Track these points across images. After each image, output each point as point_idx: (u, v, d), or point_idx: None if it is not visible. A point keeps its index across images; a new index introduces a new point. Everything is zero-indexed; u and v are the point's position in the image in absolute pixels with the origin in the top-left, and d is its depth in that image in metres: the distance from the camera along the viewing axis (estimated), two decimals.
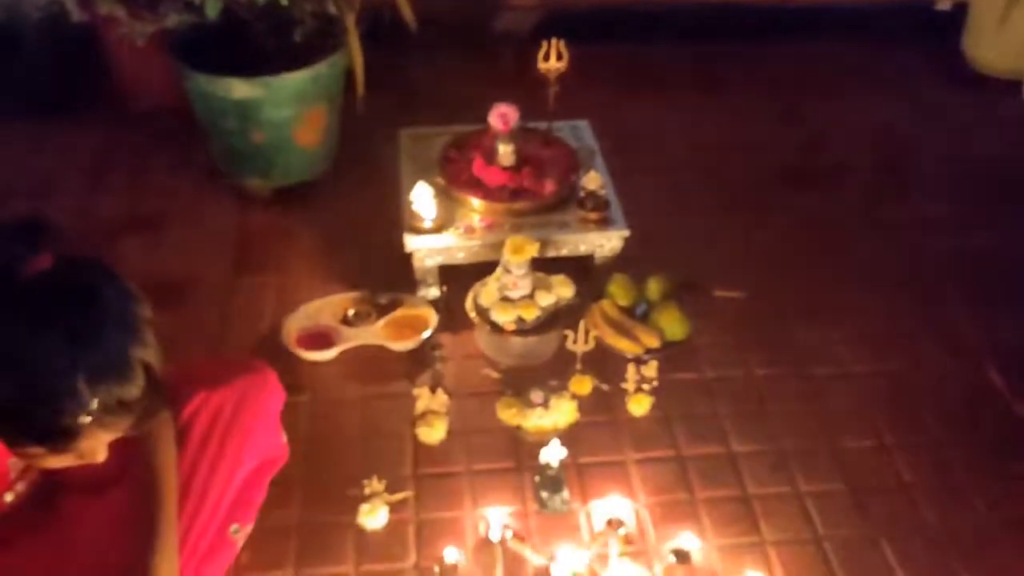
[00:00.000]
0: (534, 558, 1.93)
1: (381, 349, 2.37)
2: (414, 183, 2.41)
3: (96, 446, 1.38)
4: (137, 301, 1.38)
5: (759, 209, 2.95)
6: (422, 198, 2.39)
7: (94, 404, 1.27)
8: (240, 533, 1.82)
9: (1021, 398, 2.31)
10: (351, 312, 2.43)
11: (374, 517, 1.97)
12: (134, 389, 1.31)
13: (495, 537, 1.96)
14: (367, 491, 2.02)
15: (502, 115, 2.42)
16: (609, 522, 1.99)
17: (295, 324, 2.38)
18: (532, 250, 2.24)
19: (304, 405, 2.21)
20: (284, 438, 1.97)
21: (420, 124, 2.82)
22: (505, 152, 2.49)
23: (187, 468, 1.72)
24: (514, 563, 1.93)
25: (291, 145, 2.75)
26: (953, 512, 2.07)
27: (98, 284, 1.35)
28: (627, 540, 1.98)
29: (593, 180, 2.48)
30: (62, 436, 1.29)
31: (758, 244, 2.80)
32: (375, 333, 2.38)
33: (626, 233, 2.48)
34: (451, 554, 1.90)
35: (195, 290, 2.51)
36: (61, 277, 1.32)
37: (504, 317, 2.29)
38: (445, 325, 2.43)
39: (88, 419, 1.27)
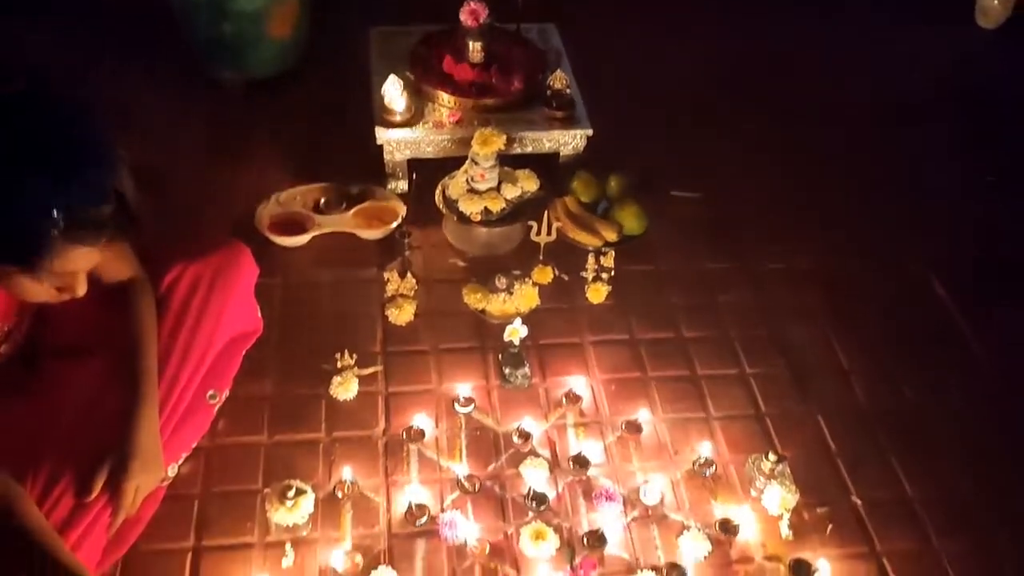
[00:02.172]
0: (496, 427, 2.07)
1: (352, 237, 2.45)
2: (385, 78, 2.46)
3: (72, 272, 1.43)
4: (107, 130, 1.42)
5: (719, 122, 3.04)
6: (392, 92, 2.45)
7: (62, 219, 1.32)
8: (216, 399, 1.92)
9: (959, 304, 2.47)
10: (322, 201, 2.50)
11: (345, 389, 2.08)
12: (104, 209, 1.37)
13: (460, 409, 2.08)
14: (339, 365, 2.13)
15: (472, 11, 2.47)
16: (566, 396, 2.13)
17: (268, 211, 2.44)
18: (499, 142, 2.32)
19: (277, 287, 2.29)
20: (258, 312, 2.06)
21: (391, 22, 2.85)
22: (474, 49, 2.54)
23: (167, 335, 1.81)
24: (477, 431, 2.06)
25: (264, 37, 2.78)
26: (884, 396, 2.24)
27: (72, 109, 1.38)
28: (582, 413, 2.12)
29: (559, 79, 2.55)
30: (33, 250, 1.33)
31: (715, 153, 2.90)
32: (346, 221, 2.46)
33: (589, 132, 2.57)
34: (419, 421, 2.03)
35: (171, 179, 2.55)
36: (37, 103, 1.36)
37: (471, 208, 2.38)
38: (414, 216, 2.51)
39: (57, 232, 1.32)
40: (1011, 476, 2.06)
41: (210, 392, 1.91)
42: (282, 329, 2.14)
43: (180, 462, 1.87)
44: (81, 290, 1.47)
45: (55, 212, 1.31)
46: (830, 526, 1.94)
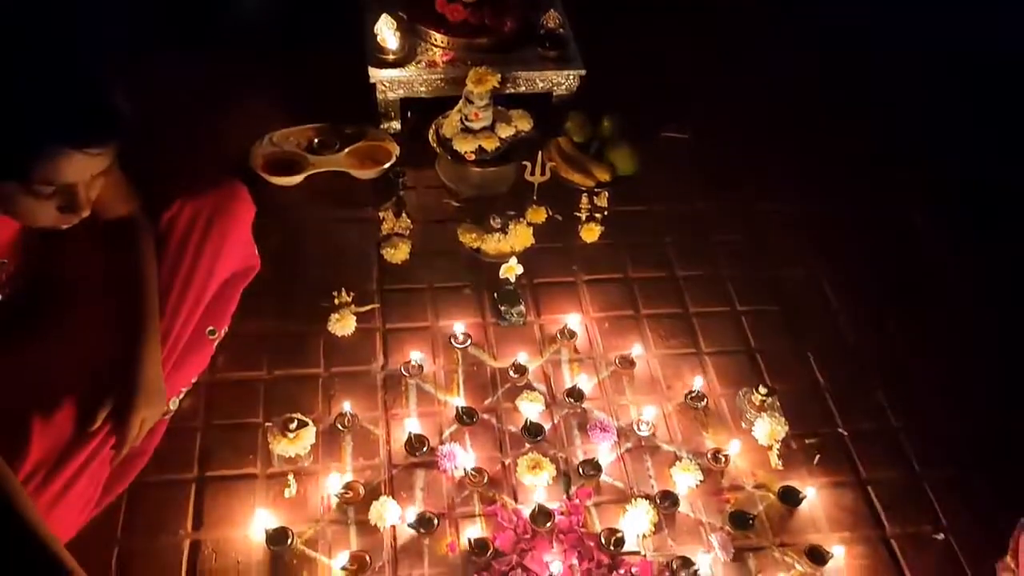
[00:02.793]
0: (492, 363, 2.10)
1: (346, 176, 2.46)
2: (377, 17, 2.44)
3: (71, 184, 1.41)
4: (95, 51, 1.42)
5: (714, 64, 3.04)
6: (385, 32, 2.43)
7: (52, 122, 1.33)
8: (216, 335, 1.94)
9: (935, 239, 2.52)
10: (316, 140, 2.50)
11: (343, 326, 2.11)
12: (94, 111, 1.38)
13: (457, 345, 2.12)
14: (336, 302, 2.15)
15: None
16: (560, 332, 2.16)
17: (262, 151, 2.44)
18: (493, 80, 2.32)
19: (274, 226, 2.29)
20: (256, 250, 2.07)
21: None
22: None
23: (166, 270, 1.82)
24: (474, 367, 2.09)
25: None
26: (870, 335, 2.28)
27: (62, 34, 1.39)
28: (576, 349, 2.16)
29: (552, 19, 2.55)
30: (27, 155, 1.34)
31: (709, 95, 2.91)
32: (340, 161, 2.46)
33: (582, 72, 2.57)
34: (416, 357, 2.06)
35: (164, 120, 2.52)
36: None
37: (465, 147, 2.38)
38: (407, 156, 2.51)
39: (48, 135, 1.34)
40: (988, 406, 2.12)
41: (209, 328, 1.92)
42: (279, 267, 2.15)
43: (181, 396, 1.90)
44: (85, 209, 1.46)
45: (46, 115, 1.32)
46: (818, 456, 1.99)
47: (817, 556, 1.81)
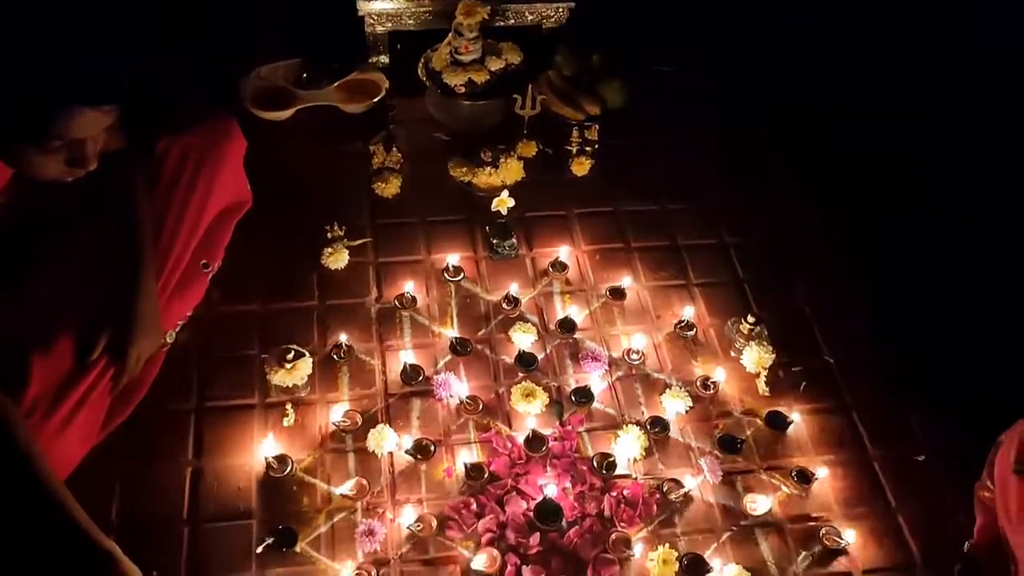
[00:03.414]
0: (485, 295, 2.13)
1: (335, 111, 2.45)
2: None
3: (81, 140, 1.42)
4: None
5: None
6: None
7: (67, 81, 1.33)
8: (210, 268, 1.95)
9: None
10: (304, 75, 2.48)
11: (336, 259, 2.12)
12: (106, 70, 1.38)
13: (449, 278, 2.14)
14: (329, 236, 2.16)
15: None
16: (552, 265, 2.19)
17: (250, 86, 2.42)
18: (483, 12, 2.30)
19: (263, 161, 2.27)
20: (247, 184, 2.07)
21: None
22: None
23: (160, 203, 1.82)
24: (467, 299, 2.12)
25: None
26: (858, 262, 2.32)
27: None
28: (568, 281, 2.18)
29: None
30: (41, 116, 1.35)
31: (700, 28, 2.89)
32: (329, 95, 2.44)
33: (572, 4, 2.55)
34: (409, 289, 2.08)
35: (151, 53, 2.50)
36: None
37: (455, 80, 2.37)
38: (396, 91, 2.50)
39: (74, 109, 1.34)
40: (971, 334, 2.16)
41: (203, 261, 1.93)
42: (271, 202, 2.15)
43: (177, 329, 1.91)
44: (92, 163, 1.47)
45: (59, 75, 1.31)
46: (804, 383, 2.04)
47: (803, 477, 1.86)
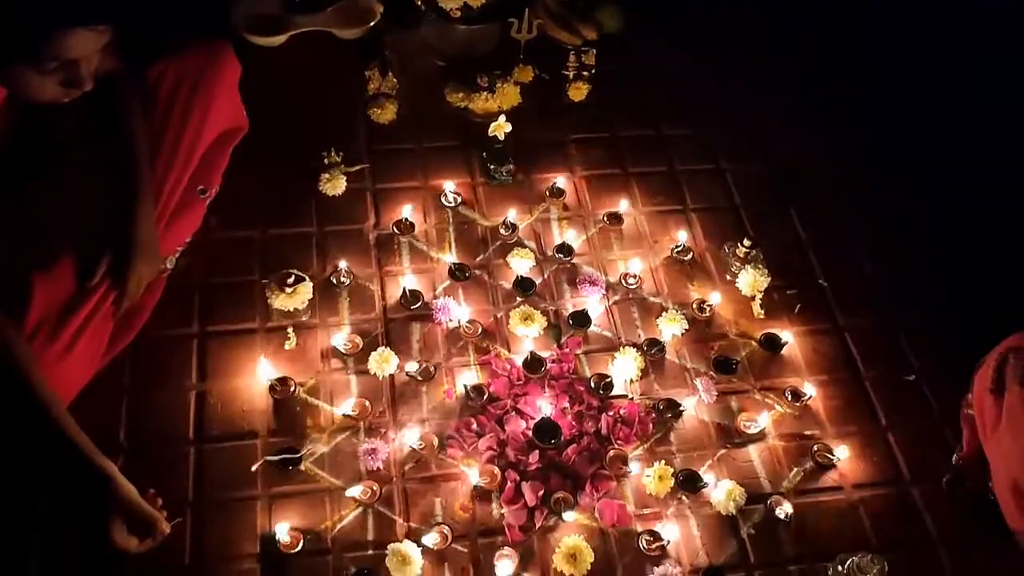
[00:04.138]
0: (482, 221, 2.14)
1: (330, 36, 2.42)
2: None
3: (76, 59, 1.40)
4: None
5: None
6: None
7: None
8: (207, 194, 1.95)
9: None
10: (298, 0, 2.44)
11: (334, 186, 2.12)
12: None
13: (447, 203, 2.14)
14: (326, 162, 2.16)
15: None
16: (549, 191, 2.19)
17: (243, 10, 2.38)
18: None
19: (259, 87, 2.25)
20: (243, 110, 2.05)
21: None
22: None
23: (155, 130, 1.81)
24: (465, 225, 2.13)
25: None
26: (851, 189, 2.33)
27: None
28: (565, 207, 2.19)
29: None
30: (36, 33, 1.34)
31: None
32: (323, 20, 2.41)
33: None
34: (407, 215, 2.08)
35: None
36: None
37: (450, 3, 2.34)
38: (391, 15, 2.46)
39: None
40: (961, 259, 2.19)
41: (200, 187, 1.93)
42: (267, 127, 2.13)
43: (177, 255, 1.92)
44: (87, 84, 1.46)
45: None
46: (798, 305, 2.07)
47: (796, 397, 1.90)
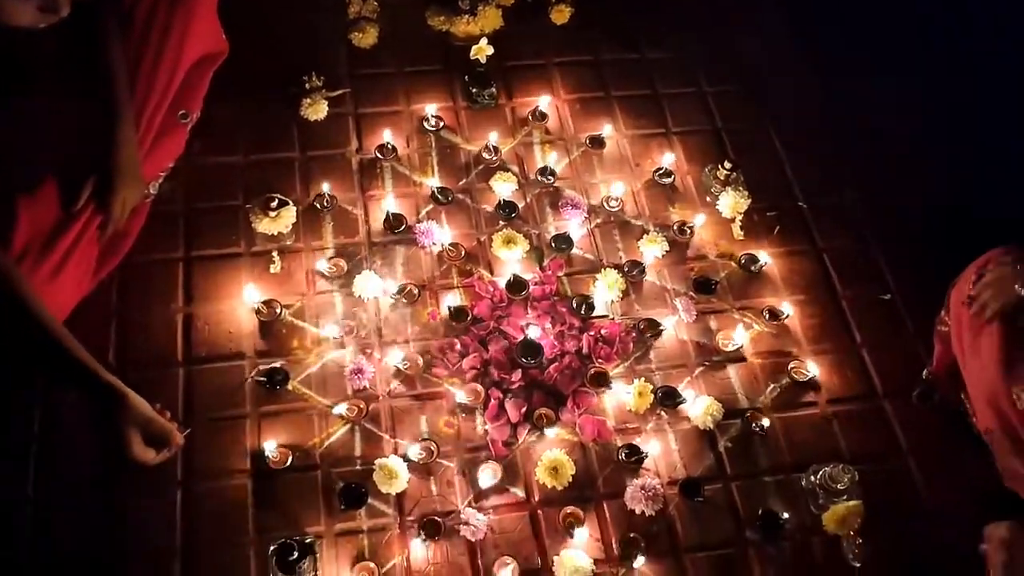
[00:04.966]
0: (465, 145, 2.14)
1: None
2: None
3: None
4: None
5: None
6: None
7: None
8: (188, 119, 1.94)
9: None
10: None
11: (315, 111, 2.12)
12: None
13: (429, 127, 2.14)
14: (307, 87, 2.14)
15: None
16: (532, 114, 2.19)
17: None
18: None
19: (238, 11, 2.22)
20: (223, 33, 2.03)
21: None
22: None
23: (135, 51, 1.79)
24: (447, 149, 2.13)
25: None
26: (832, 112, 2.33)
27: None
28: (548, 131, 2.19)
29: None
30: None
31: None
32: None
33: None
34: (390, 139, 2.09)
35: None
36: None
37: None
38: None
39: None
40: (949, 185, 2.20)
41: (181, 112, 1.92)
42: (247, 52, 2.10)
43: (160, 180, 1.92)
44: (65, 8, 1.44)
45: None
46: (777, 227, 2.10)
47: (773, 316, 1.94)
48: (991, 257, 1.62)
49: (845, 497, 1.70)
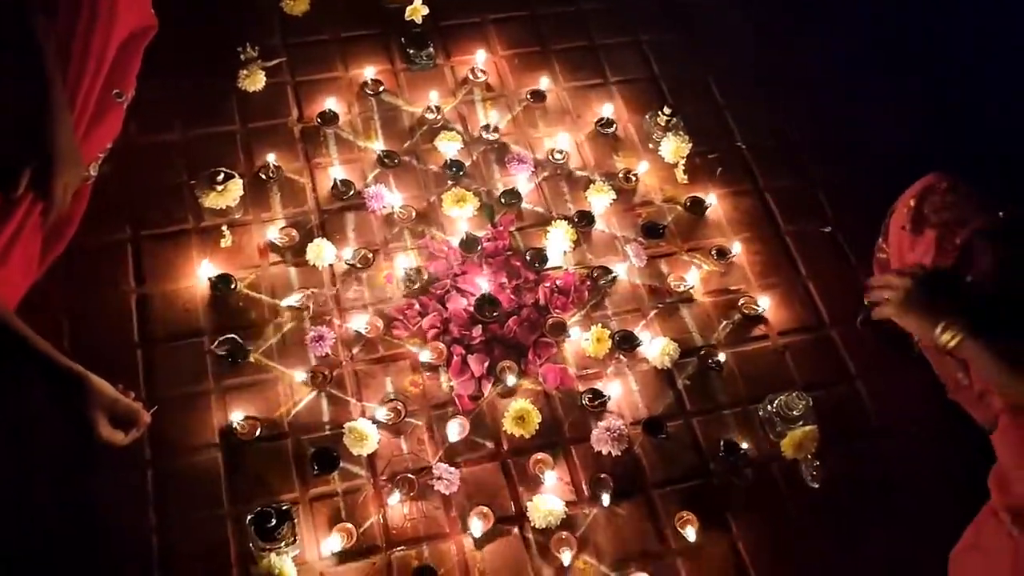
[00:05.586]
0: (407, 107, 2.14)
1: None
2: None
3: None
4: None
5: None
6: None
7: None
8: (123, 98, 1.90)
9: None
10: None
11: (253, 81, 2.10)
12: None
13: (369, 92, 2.13)
14: (243, 58, 2.12)
15: None
16: (471, 72, 2.20)
17: None
18: None
19: None
20: (151, 7, 1.99)
21: None
22: None
23: (64, 31, 1.75)
24: (390, 112, 2.13)
25: None
26: (765, 54, 2.37)
27: None
28: (488, 88, 2.20)
29: None
30: None
31: None
32: None
33: None
34: (331, 106, 2.07)
35: None
36: None
37: None
38: None
39: None
40: (883, 116, 2.26)
41: (116, 91, 1.88)
42: (176, 26, 2.06)
43: (99, 162, 1.88)
44: None
45: None
46: (719, 169, 2.14)
47: (721, 255, 2.00)
48: (925, 184, 1.68)
49: (801, 423, 1.77)
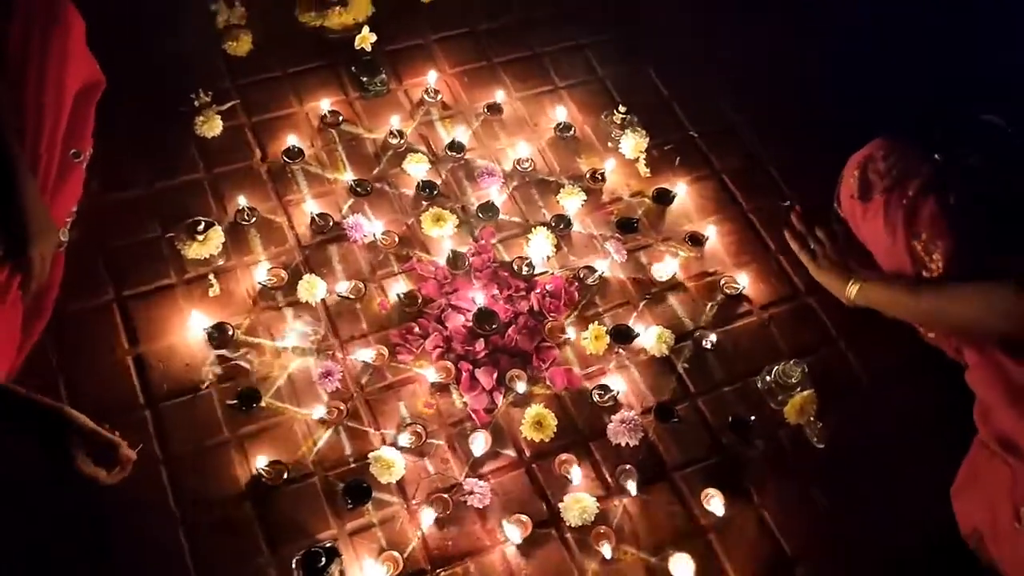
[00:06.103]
0: (368, 135, 2.15)
1: None
2: None
3: None
4: None
5: None
6: None
7: None
8: (81, 157, 1.85)
9: None
10: None
11: (210, 127, 2.07)
12: None
13: (328, 124, 2.14)
14: (196, 104, 2.09)
15: None
16: (425, 93, 2.22)
17: None
18: None
19: (99, 37, 2.13)
20: (97, 64, 1.94)
21: None
22: None
23: (16, 90, 1.70)
24: (352, 142, 2.14)
25: None
26: (711, 44, 2.46)
27: None
28: (445, 106, 2.23)
29: None
30: None
31: None
32: None
33: None
34: (293, 142, 2.07)
35: None
36: None
37: None
38: None
39: None
40: (825, 92, 2.36)
41: (73, 151, 1.84)
42: (124, 79, 2.03)
43: (68, 227, 1.84)
44: None
45: None
46: (677, 158, 2.23)
47: (695, 241, 2.08)
48: (866, 153, 1.77)
49: (799, 389, 1.85)
